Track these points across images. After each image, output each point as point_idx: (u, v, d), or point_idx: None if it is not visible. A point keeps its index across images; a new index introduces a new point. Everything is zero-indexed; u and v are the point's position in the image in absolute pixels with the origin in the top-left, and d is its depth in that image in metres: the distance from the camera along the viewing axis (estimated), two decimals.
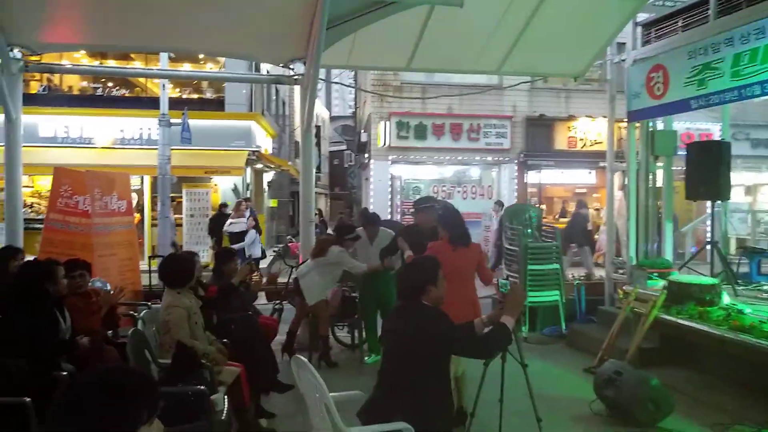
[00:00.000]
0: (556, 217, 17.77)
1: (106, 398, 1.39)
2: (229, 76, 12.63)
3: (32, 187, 15.13)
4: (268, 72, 15.28)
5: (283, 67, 7.76)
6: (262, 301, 8.44)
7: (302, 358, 3.10)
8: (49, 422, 1.46)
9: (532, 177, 17.04)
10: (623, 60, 8.30)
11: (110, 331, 5.04)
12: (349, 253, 6.43)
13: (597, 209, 17.01)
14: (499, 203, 14.28)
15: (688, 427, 4.69)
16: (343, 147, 33.69)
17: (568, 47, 7.99)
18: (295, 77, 7.56)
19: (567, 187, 18.39)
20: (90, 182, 7.03)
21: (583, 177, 17.66)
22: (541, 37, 7.45)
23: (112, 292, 6.26)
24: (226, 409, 3.82)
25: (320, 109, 36.43)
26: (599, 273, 9.20)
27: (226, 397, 3.96)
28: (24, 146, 13.84)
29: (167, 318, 4.20)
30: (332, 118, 39.73)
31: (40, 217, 13.09)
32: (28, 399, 3.39)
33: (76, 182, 7.04)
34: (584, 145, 16.95)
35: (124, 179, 7.76)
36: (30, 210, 14.58)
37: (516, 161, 16.70)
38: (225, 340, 4.77)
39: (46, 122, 14.87)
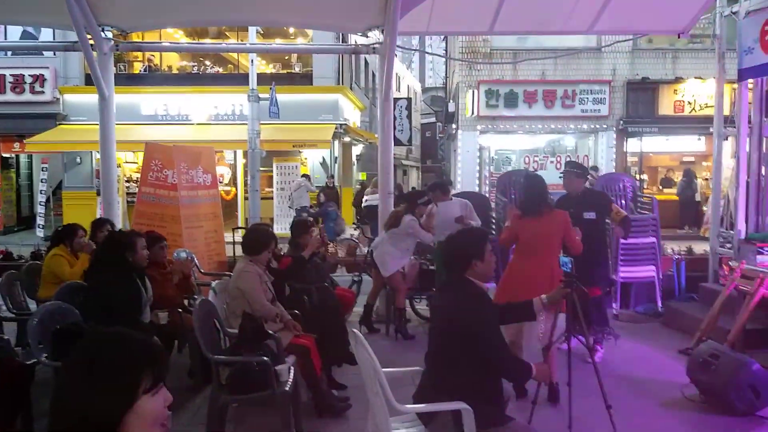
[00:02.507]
0: (660, 187, 16.70)
1: (91, 370, 1.30)
2: (304, 47, 12.64)
3: (137, 163, 16.08)
4: (356, 43, 15.20)
5: (361, 35, 7.63)
6: (342, 272, 8.51)
7: (357, 332, 3.00)
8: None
9: (632, 145, 15.98)
10: (735, 12, 7.44)
11: (187, 300, 5.21)
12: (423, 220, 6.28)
13: (706, 179, 15.75)
14: (595, 168, 13.42)
15: None
16: (433, 119, 33.25)
17: (670, 0, 7.27)
18: (373, 46, 7.40)
19: (673, 156, 17.15)
20: (177, 156, 7.27)
21: (691, 144, 16.38)
22: None
23: (195, 263, 6.52)
24: (291, 380, 3.81)
25: (412, 81, 36.03)
26: (704, 247, 8.46)
27: (292, 368, 3.95)
28: (127, 124, 14.77)
29: (241, 286, 4.25)
30: (425, 90, 39.28)
31: None
32: None
33: (165, 156, 7.31)
34: (693, 109, 15.63)
35: (208, 153, 7.98)
36: (135, 185, 15.50)
37: (615, 128, 15.70)
38: (296, 311, 4.80)
39: (148, 101, 15.68)
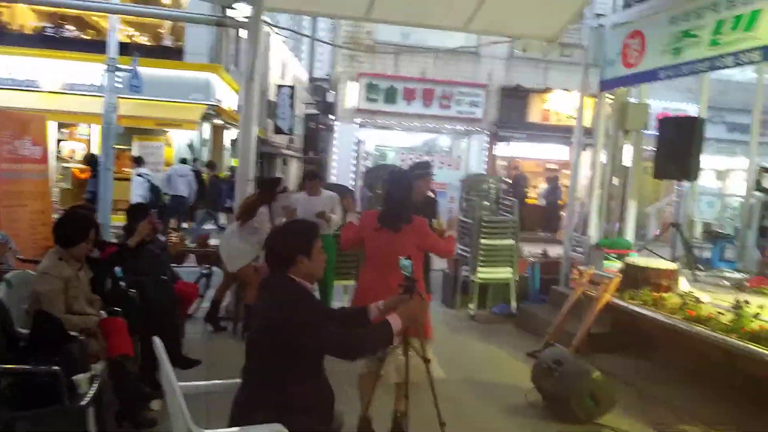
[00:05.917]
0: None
1: None
2: (164, 13, 11.60)
3: None
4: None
5: (226, 6, 7.02)
6: (192, 264, 7.85)
7: (156, 339, 2.52)
8: None
9: (502, 149, 16.50)
10: (601, 25, 7.69)
11: None
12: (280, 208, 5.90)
13: (566, 186, 16.61)
14: None
15: (628, 425, 4.25)
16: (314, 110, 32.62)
17: (541, 6, 7.36)
18: (241, 20, 6.84)
19: (538, 162, 17.94)
20: None
21: (555, 152, 17.20)
22: None
23: (11, 247, 5.65)
24: (92, 392, 3.23)
25: (300, 71, 35.12)
26: (559, 251, 8.74)
27: (96, 378, 3.36)
28: None
29: (38, 289, 3.63)
30: (312, 80, 38.50)
31: None
32: None
33: None
34: (558, 119, 16.43)
35: (39, 123, 6.98)
36: None
37: (487, 132, 16.11)
38: (117, 309, 4.19)
39: None
